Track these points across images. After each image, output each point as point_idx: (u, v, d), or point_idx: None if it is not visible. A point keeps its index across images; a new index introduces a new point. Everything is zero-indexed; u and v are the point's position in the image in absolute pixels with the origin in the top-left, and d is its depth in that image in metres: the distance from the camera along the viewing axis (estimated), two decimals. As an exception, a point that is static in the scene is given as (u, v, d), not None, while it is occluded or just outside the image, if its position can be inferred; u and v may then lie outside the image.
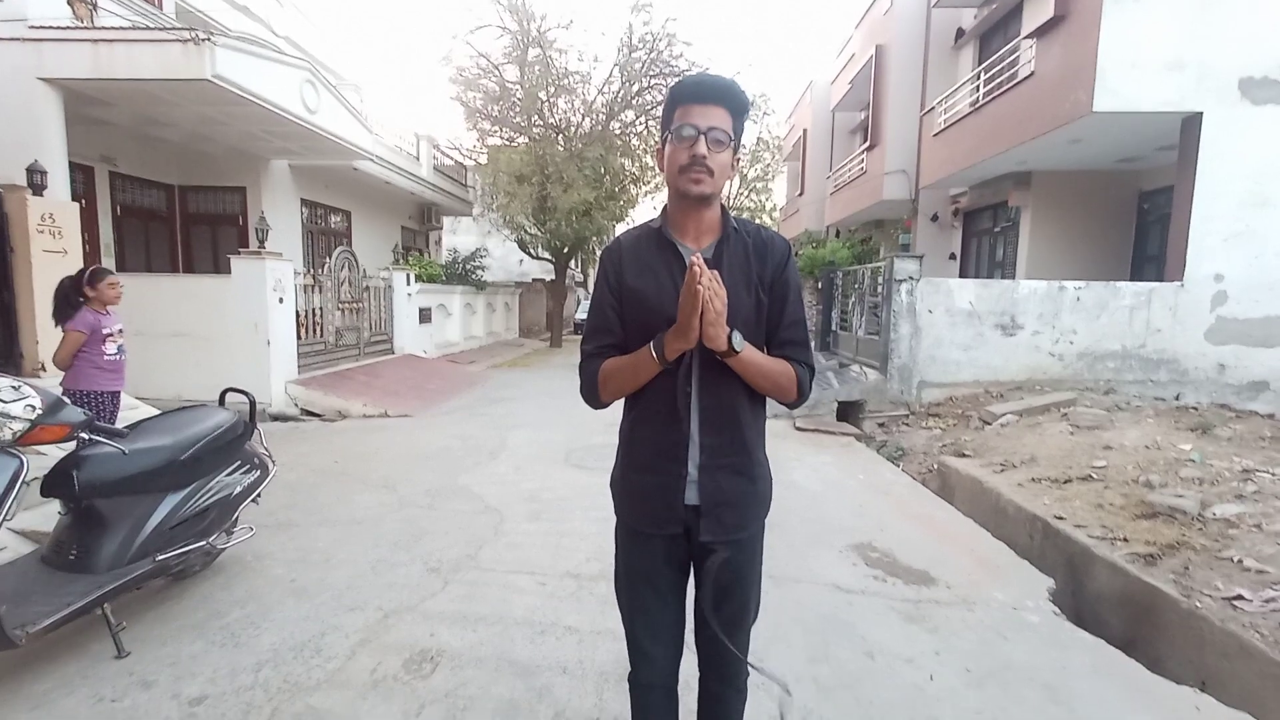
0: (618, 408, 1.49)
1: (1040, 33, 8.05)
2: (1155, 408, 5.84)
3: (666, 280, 1.30)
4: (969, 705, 2.16)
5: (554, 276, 17.54)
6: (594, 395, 1.39)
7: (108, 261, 8.27)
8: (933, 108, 11.50)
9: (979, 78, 9.86)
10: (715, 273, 1.16)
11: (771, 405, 1.42)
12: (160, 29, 7.01)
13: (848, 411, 7.36)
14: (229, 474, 2.89)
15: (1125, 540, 3.17)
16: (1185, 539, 3.08)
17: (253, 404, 3.18)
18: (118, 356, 3.76)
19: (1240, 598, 2.54)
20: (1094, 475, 4.14)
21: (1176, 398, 6.77)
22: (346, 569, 3.15)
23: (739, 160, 1.34)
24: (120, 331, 3.80)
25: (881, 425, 6.89)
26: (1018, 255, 10.31)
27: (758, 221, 1.42)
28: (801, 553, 3.43)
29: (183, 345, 7.06)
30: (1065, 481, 4.11)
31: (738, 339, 1.21)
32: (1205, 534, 3.12)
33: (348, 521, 3.84)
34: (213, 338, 7.06)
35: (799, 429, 6.73)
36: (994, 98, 9.21)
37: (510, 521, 3.85)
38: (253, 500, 3.09)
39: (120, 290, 3.78)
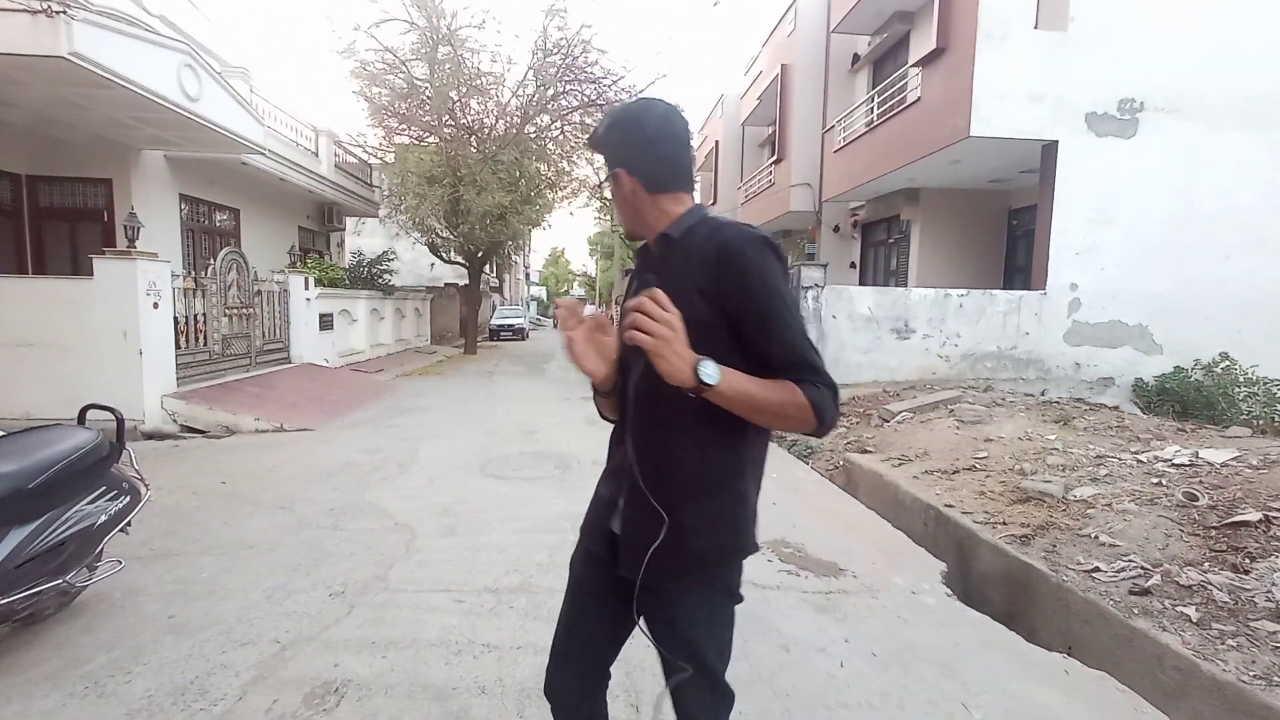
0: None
1: (925, 62, 8.79)
2: (1025, 403, 6.50)
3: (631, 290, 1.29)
4: (875, 687, 2.29)
5: (468, 281, 17.02)
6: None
7: (-67, 260, 7.12)
8: (833, 126, 12.26)
9: (873, 100, 10.62)
10: (655, 291, 1.02)
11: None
12: (2, -3, 6.13)
13: (761, 413, 7.64)
14: (90, 502, 2.55)
15: (1004, 523, 3.50)
16: (1053, 520, 3.45)
17: (120, 421, 2.83)
18: None
19: (1097, 569, 2.87)
20: (977, 465, 4.54)
21: (1042, 393, 7.58)
22: (236, 600, 2.87)
23: (633, 180, 1.22)
24: None
25: (792, 426, 7.21)
26: (909, 265, 11.18)
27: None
28: (720, 552, 3.50)
29: (34, 356, 6.20)
30: (953, 472, 4.48)
31: (709, 369, 1.02)
32: (1068, 514, 3.50)
33: (237, 547, 3.51)
34: (71, 348, 6.24)
35: (715, 431, 6.90)
36: (886, 119, 9.96)
37: (423, 538, 3.67)
38: (121, 530, 2.74)
39: None
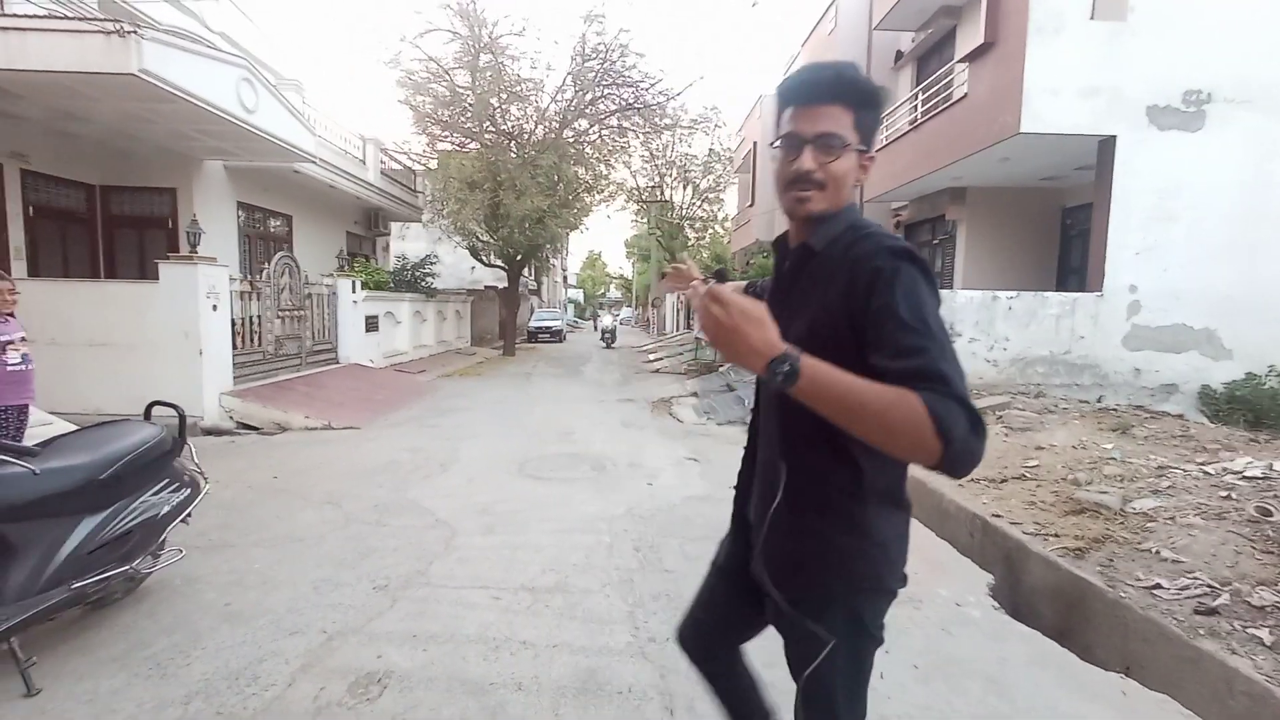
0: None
1: (972, 57, 8.52)
2: (1080, 410, 6.21)
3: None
4: (917, 700, 2.22)
5: (507, 284, 17.31)
6: None
7: (18, 266, 7.65)
8: (875, 125, 11.97)
9: (917, 98, 10.35)
10: (714, 287, 0.93)
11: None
12: (81, 19, 6.57)
13: (798, 417, 7.53)
14: (155, 493, 2.70)
15: (1056, 535, 3.35)
16: (1109, 533, 3.28)
17: (182, 417, 2.99)
18: (21, 367, 3.47)
19: (1158, 586, 2.72)
20: (1027, 474, 4.36)
21: (1098, 400, 7.23)
22: (286, 591, 2.99)
23: (870, 161, 1.11)
24: (23, 340, 3.50)
25: (831, 430, 7.07)
26: (954, 266, 10.83)
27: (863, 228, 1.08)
28: (756, 557, 3.47)
29: (104, 356, 6.60)
30: (1001, 481, 4.32)
31: (787, 365, 0.87)
32: (1127, 527, 3.33)
33: (288, 540, 3.65)
34: (138, 347, 6.62)
35: (752, 435, 6.83)
36: (931, 117, 9.68)
37: (462, 535, 3.75)
38: (182, 521, 2.89)
39: (11, 297, 3.46)
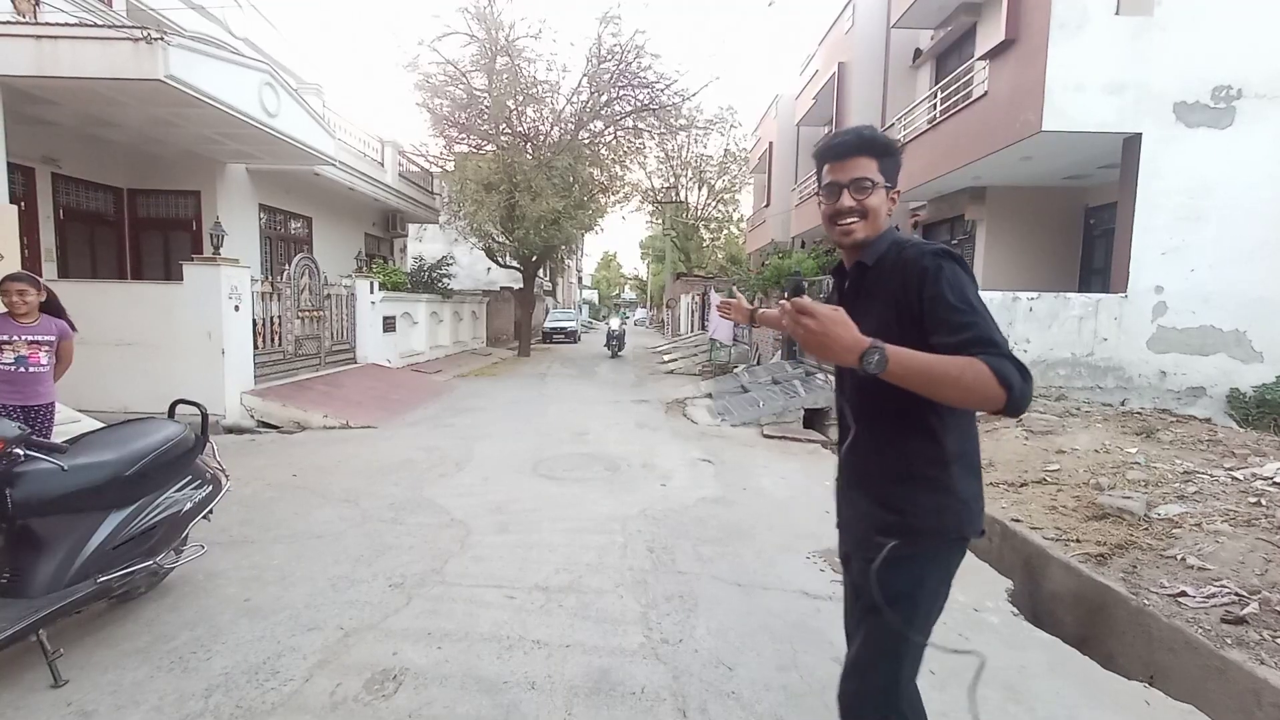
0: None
1: (992, 55, 8.40)
2: (1103, 413, 6.09)
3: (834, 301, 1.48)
4: (933, 707, 2.17)
5: (522, 285, 17.41)
6: None
7: (48, 268, 7.87)
8: (892, 124, 11.87)
9: (936, 96, 10.22)
10: (799, 300, 1.12)
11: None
12: (109, 26, 6.74)
13: (814, 419, 7.47)
14: (178, 490, 2.76)
15: (1078, 541, 3.29)
16: (1133, 539, 3.21)
17: (204, 416, 3.05)
18: (13, 368, 3.44)
19: (1184, 594, 2.66)
20: (1048, 479, 4.28)
21: (1122, 403, 7.08)
22: (304, 587, 3.04)
23: (897, 195, 1.39)
24: (32, 342, 3.46)
25: (847, 432, 7.01)
26: (973, 266, 10.68)
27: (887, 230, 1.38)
28: (770, 559, 3.45)
29: (130, 355, 6.75)
30: (1021, 485, 4.25)
31: (876, 355, 1.08)
32: (1151, 534, 3.25)
33: (306, 537, 3.70)
34: (163, 347, 6.76)
35: (766, 436, 6.80)
36: (950, 116, 9.56)
37: (477, 534, 3.78)
38: (204, 517, 2.95)
39: (23, 299, 3.39)
